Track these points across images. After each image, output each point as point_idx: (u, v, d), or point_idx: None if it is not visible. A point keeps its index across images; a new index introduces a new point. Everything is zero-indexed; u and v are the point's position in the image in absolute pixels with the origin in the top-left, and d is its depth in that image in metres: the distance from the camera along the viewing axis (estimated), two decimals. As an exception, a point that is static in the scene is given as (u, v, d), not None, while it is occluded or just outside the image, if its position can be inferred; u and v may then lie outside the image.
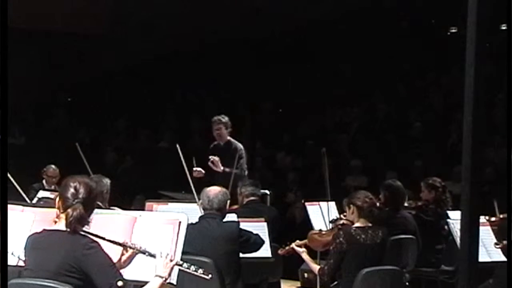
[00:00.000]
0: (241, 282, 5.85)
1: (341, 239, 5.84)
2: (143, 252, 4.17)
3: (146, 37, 15.54)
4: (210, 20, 15.49)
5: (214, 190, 5.99)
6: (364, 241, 5.84)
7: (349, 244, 5.82)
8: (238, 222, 6.04)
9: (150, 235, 4.53)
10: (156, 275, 4.05)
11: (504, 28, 11.73)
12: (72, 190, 3.91)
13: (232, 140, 9.02)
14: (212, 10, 15.44)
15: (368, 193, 6.13)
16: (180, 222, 4.57)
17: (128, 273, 4.28)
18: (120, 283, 3.80)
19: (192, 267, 4.20)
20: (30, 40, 14.51)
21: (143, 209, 6.64)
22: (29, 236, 3.99)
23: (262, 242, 6.07)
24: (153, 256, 4.13)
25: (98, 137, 14.60)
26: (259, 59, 15.84)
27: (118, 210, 5.97)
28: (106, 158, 13.38)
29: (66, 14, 14.80)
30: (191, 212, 5.84)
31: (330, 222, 7.04)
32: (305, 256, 6.33)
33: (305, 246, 6.45)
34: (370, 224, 5.94)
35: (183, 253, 4.50)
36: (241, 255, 5.93)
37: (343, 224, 6.31)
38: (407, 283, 7.00)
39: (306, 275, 8.81)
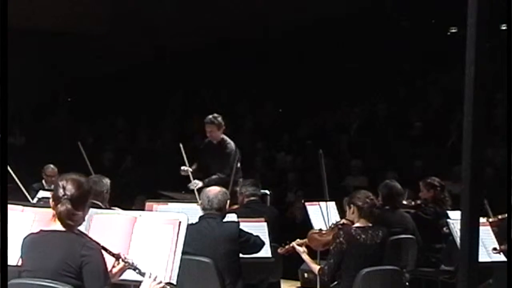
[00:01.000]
0: (241, 282, 5.85)
1: (341, 239, 5.84)
2: (134, 269, 4.12)
3: (146, 37, 15.54)
4: (210, 20, 15.50)
5: (214, 190, 5.99)
6: (364, 241, 5.84)
7: (349, 244, 5.81)
8: (238, 222, 6.03)
9: (150, 235, 4.53)
10: None
11: (504, 28, 11.74)
12: (60, 189, 3.90)
13: (225, 138, 8.97)
14: (212, 10, 15.45)
15: (369, 193, 6.13)
16: (180, 222, 4.56)
17: (128, 273, 4.28)
18: None
19: None
20: (30, 40, 14.52)
21: (143, 209, 6.64)
22: (26, 237, 3.97)
23: (262, 243, 6.06)
24: (142, 274, 4.08)
25: (98, 137, 14.60)
26: (259, 59, 15.84)
27: (118, 210, 5.97)
28: (106, 158, 13.37)
29: (66, 14, 14.81)
30: (191, 212, 5.83)
31: (332, 225, 7.03)
32: (305, 256, 6.33)
33: (305, 245, 6.45)
34: (370, 224, 5.94)
35: (183, 253, 4.50)
36: (241, 255, 5.93)
37: (343, 224, 6.31)
38: (407, 283, 7.01)
39: (306, 275, 8.81)
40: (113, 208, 6.58)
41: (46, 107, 15.77)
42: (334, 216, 7.66)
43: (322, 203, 7.81)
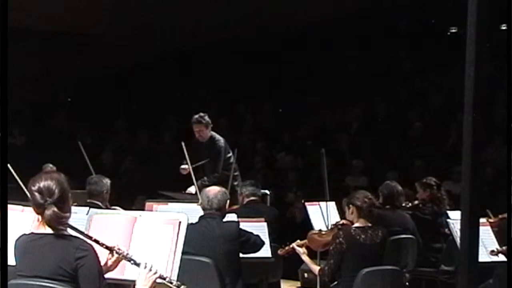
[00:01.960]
0: (241, 282, 5.85)
1: (341, 239, 5.84)
2: (128, 260, 4.08)
3: (146, 37, 15.54)
4: (210, 20, 15.50)
5: (213, 190, 5.99)
6: (364, 241, 5.84)
7: (349, 244, 5.81)
8: (238, 222, 6.03)
9: (150, 235, 4.53)
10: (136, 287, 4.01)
11: (504, 28, 11.76)
12: (37, 194, 3.81)
13: (214, 135, 8.98)
14: (212, 10, 15.45)
15: (368, 193, 6.13)
16: (180, 222, 4.56)
17: (128, 273, 4.28)
18: None
19: (175, 283, 4.14)
20: (30, 40, 14.51)
21: (143, 209, 6.64)
22: (18, 239, 3.92)
23: (262, 243, 6.06)
24: (137, 265, 4.06)
25: (98, 137, 14.59)
26: (259, 59, 15.84)
27: (118, 210, 5.98)
28: (106, 158, 13.37)
29: (66, 14, 14.80)
30: (191, 212, 5.83)
31: (332, 226, 7.03)
32: (305, 257, 6.33)
33: (305, 246, 6.45)
34: (369, 224, 5.94)
35: (183, 253, 4.50)
36: (241, 255, 5.93)
37: (343, 224, 6.31)
38: (407, 283, 7.01)
39: (306, 275, 8.81)
40: (113, 208, 6.59)
41: (46, 107, 15.75)
42: (334, 216, 7.67)
43: (322, 203, 7.82)
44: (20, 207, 5.02)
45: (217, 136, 8.97)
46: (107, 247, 4.08)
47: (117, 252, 4.10)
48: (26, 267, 3.86)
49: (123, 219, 4.69)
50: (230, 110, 14.64)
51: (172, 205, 6.98)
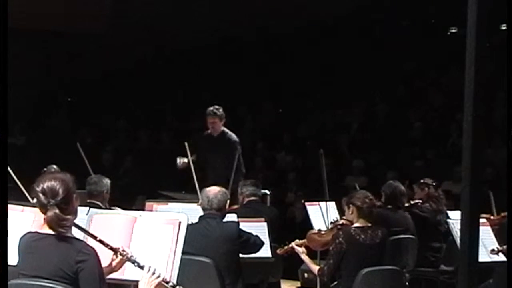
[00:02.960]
0: (241, 282, 5.85)
1: (340, 239, 5.84)
2: (132, 262, 4.08)
3: (145, 36, 15.54)
4: (210, 20, 15.50)
5: (213, 190, 5.99)
6: (364, 241, 5.84)
7: (348, 244, 5.81)
8: (238, 222, 6.03)
9: (150, 235, 4.53)
10: None
11: (504, 28, 11.75)
12: (41, 195, 3.80)
13: (226, 130, 8.93)
14: (212, 10, 15.45)
15: (368, 193, 6.13)
16: (180, 222, 4.56)
17: (128, 273, 4.28)
18: None
19: (171, 283, 4.14)
20: (30, 40, 14.52)
21: (143, 209, 6.64)
22: (23, 237, 3.92)
23: (262, 243, 6.06)
24: (141, 267, 4.05)
25: (98, 137, 14.60)
26: (259, 59, 15.84)
27: (118, 210, 5.97)
28: (106, 158, 13.37)
29: (66, 14, 14.79)
30: (191, 212, 5.83)
31: (331, 223, 7.03)
32: (304, 257, 6.33)
33: (305, 246, 6.45)
34: (369, 224, 5.94)
35: (183, 253, 4.50)
36: (241, 255, 5.93)
37: (342, 224, 6.31)
38: (407, 283, 7.01)
39: (306, 275, 8.81)
40: (113, 208, 6.58)
41: (46, 107, 15.76)
42: (334, 216, 7.66)
43: (322, 203, 7.82)
44: (20, 207, 5.02)
45: (229, 132, 8.93)
46: (111, 248, 4.08)
47: (121, 254, 4.09)
48: (28, 266, 3.86)
49: (123, 219, 4.69)
50: (230, 110, 14.62)
51: (172, 205, 6.98)
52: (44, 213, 3.81)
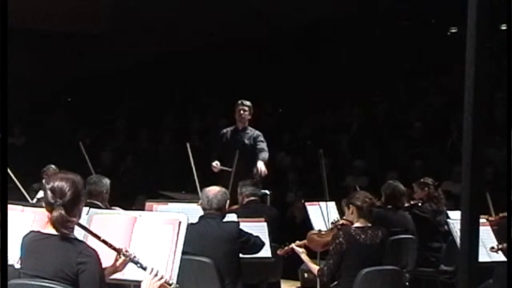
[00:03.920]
0: (241, 282, 5.85)
1: (340, 239, 5.84)
2: (135, 263, 4.08)
3: (146, 37, 15.54)
4: (210, 20, 15.49)
5: (213, 190, 5.99)
6: (364, 241, 5.84)
7: (348, 244, 5.81)
8: (238, 222, 6.03)
9: (150, 235, 4.53)
10: None
11: (504, 28, 11.75)
12: (50, 193, 3.80)
13: (250, 127, 9.10)
14: (212, 10, 15.44)
15: (368, 193, 6.13)
16: (180, 222, 4.56)
17: (128, 273, 4.28)
18: None
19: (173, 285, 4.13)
20: (30, 40, 14.51)
21: (143, 209, 6.64)
22: (26, 235, 3.92)
23: (262, 244, 6.06)
24: (144, 269, 4.06)
25: (98, 137, 14.59)
26: (259, 59, 15.83)
27: (118, 210, 5.98)
28: (106, 158, 13.37)
29: (66, 14, 14.79)
30: (191, 212, 5.83)
31: (331, 224, 7.03)
32: (304, 257, 6.33)
33: (305, 246, 6.45)
34: (369, 224, 5.94)
35: (183, 253, 4.50)
36: (241, 255, 5.93)
37: (342, 224, 6.31)
38: (407, 283, 7.01)
39: (306, 275, 8.81)
40: (113, 208, 6.59)
41: (46, 107, 15.75)
42: (334, 216, 7.66)
43: (322, 203, 7.82)
44: (20, 207, 5.02)
45: (253, 128, 9.09)
46: (114, 249, 4.08)
47: (124, 254, 4.09)
48: (29, 266, 3.86)
49: (123, 219, 4.70)
50: (230, 110, 14.61)
51: (172, 205, 6.98)
52: (50, 211, 3.81)
